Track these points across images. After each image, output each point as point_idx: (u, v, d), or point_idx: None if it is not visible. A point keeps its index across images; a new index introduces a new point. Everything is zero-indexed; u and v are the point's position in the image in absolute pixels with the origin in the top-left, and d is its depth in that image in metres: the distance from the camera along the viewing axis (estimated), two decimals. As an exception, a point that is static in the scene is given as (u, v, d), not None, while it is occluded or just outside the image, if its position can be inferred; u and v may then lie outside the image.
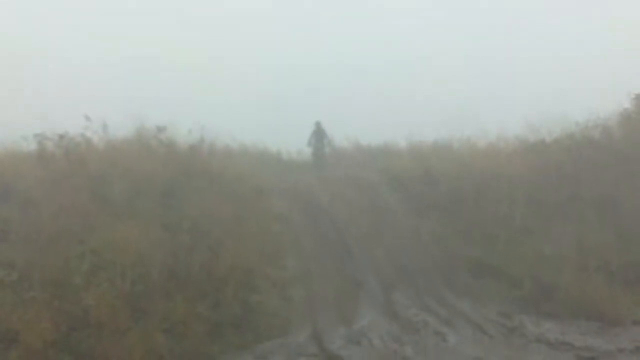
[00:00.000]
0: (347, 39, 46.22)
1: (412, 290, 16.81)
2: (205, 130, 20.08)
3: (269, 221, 18.28)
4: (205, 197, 16.71)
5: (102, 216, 15.32)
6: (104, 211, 15.56)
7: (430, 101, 31.40)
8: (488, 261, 17.67)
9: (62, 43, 41.87)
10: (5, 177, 17.01)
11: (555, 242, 17.29)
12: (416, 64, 41.35)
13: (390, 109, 30.98)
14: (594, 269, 16.29)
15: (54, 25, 44.08)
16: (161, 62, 41.64)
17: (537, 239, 17.85)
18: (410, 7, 46.72)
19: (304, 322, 14.98)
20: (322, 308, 15.59)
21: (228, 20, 48.09)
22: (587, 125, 21.91)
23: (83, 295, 13.27)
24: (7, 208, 15.76)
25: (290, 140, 25.73)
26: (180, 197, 16.87)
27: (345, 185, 21.23)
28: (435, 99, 31.82)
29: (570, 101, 22.54)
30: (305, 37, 44.99)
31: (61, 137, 17.71)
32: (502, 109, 26.51)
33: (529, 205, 19.09)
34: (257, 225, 17.45)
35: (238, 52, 44.87)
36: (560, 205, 18.85)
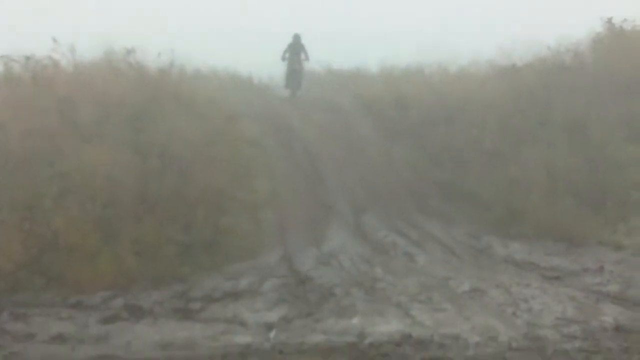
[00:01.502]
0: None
1: (382, 212, 16.97)
2: (175, 54, 19.79)
3: (239, 145, 18.15)
4: (175, 121, 16.53)
5: (71, 139, 15.12)
6: (73, 134, 15.35)
7: (402, 26, 31.10)
8: (458, 185, 17.83)
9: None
10: (-29, 100, 16.75)
11: (525, 165, 17.40)
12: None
13: (363, 34, 30.65)
14: (562, 191, 16.48)
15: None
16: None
17: (507, 163, 17.93)
18: None
19: (274, 244, 15.11)
20: (293, 230, 15.71)
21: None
22: (559, 50, 21.86)
23: (53, 218, 13.26)
24: (-26, 131, 15.55)
25: (261, 64, 25.30)
26: (150, 120, 16.64)
27: (317, 109, 21.15)
28: (407, 24, 31.53)
29: (542, 25, 22.44)
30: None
31: (28, 59, 17.36)
32: (475, 33, 26.32)
33: (499, 129, 19.12)
34: (227, 149, 17.34)
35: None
36: (530, 130, 18.90)
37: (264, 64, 24.62)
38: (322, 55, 25.59)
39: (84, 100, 16.26)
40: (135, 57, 18.69)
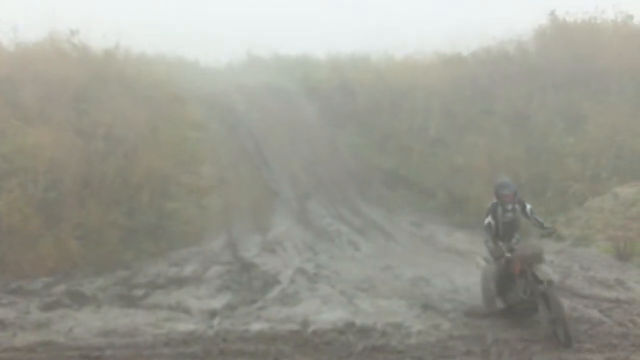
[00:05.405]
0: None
1: (327, 199, 17.03)
2: (120, 35, 19.55)
3: (185, 129, 18.10)
4: (120, 103, 16.35)
5: (13, 121, 14.88)
6: (14, 116, 15.10)
7: (349, 13, 31.12)
8: (402, 172, 18.01)
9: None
10: None
11: (468, 154, 17.63)
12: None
13: (310, 20, 30.58)
14: (504, 180, 16.69)
15: None
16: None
17: (450, 151, 18.18)
18: None
19: (219, 230, 15.10)
20: (238, 217, 15.71)
21: None
22: (503, 40, 22.19)
23: (-7, 201, 13.06)
24: None
25: (207, 49, 25.05)
26: (95, 102, 16.47)
27: (263, 94, 21.12)
28: (354, 11, 31.56)
29: (488, 15, 22.68)
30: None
31: (-32, 38, 17.06)
32: (421, 21, 26.43)
33: (443, 117, 19.36)
34: (173, 133, 17.28)
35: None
36: (473, 118, 19.17)
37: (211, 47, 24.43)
38: (269, 41, 25.50)
39: (26, 81, 15.99)
40: (80, 38, 18.44)
